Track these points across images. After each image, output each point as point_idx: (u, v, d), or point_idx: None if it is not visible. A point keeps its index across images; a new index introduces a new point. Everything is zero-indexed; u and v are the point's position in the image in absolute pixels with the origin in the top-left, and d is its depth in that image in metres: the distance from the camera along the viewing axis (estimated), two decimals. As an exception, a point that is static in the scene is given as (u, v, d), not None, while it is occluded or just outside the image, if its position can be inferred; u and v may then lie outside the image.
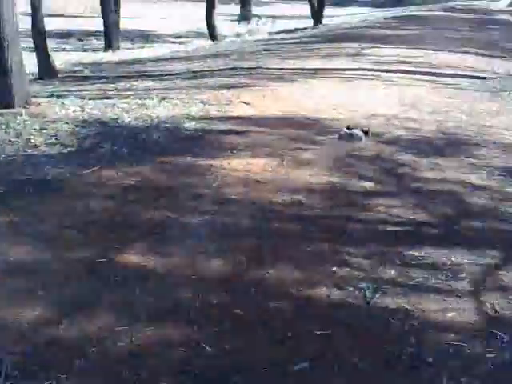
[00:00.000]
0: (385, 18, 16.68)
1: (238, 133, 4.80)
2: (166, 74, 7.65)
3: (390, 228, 3.32)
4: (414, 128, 5.41)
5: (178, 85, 6.82)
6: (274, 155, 4.34)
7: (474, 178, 4.17)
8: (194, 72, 7.78)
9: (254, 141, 4.65)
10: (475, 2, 23.05)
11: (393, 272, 2.78)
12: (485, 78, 8.13)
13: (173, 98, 5.83)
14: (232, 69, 7.96)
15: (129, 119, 5.06)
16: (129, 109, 5.39)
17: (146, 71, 8.31)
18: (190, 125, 4.92)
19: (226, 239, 3.02)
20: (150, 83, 6.95)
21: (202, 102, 5.76)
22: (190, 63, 9.08)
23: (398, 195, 3.81)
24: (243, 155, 4.29)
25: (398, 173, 4.24)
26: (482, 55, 10.36)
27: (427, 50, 10.15)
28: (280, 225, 3.25)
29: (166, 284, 2.60)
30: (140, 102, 5.69)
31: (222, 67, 8.25)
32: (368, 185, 3.92)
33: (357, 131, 4.87)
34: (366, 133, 4.90)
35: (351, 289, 2.61)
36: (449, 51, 10.27)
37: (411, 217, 3.46)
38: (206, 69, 8.14)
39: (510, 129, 5.61)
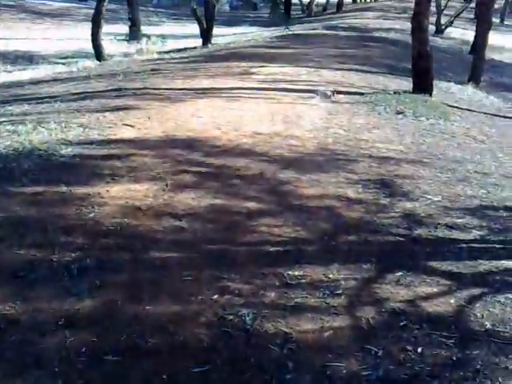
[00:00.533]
0: (271, 38, 17.17)
1: (119, 157, 4.66)
2: (45, 97, 7.28)
3: (271, 248, 3.35)
4: (296, 145, 5.56)
5: (56, 108, 6.50)
6: (156, 179, 4.26)
7: (350, 192, 4.36)
8: (75, 94, 7.48)
9: (136, 165, 4.53)
10: (357, 21, 24.39)
11: (273, 295, 2.80)
12: (363, 94, 8.58)
13: (49, 123, 5.55)
14: (117, 90, 7.76)
15: (-3, 148, 4.73)
16: (-2, 136, 5.05)
17: (23, 94, 7.86)
18: (67, 151, 4.70)
19: (99, 276, 2.87)
20: (26, 107, 6.57)
21: (81, 125, 5.53)
22: (72, 85, 8.72)
23: (279, 214, 3.86)
24: (124, 181, 4.15)
25: (280, 191, 4.32)
26: (362, 71, 10.96)
27: (310, 67, 10.55)
28: (160, 254, 3.16)
29: (29, 334, 2.41)
30: (12, 128, 5.35)
31: (106, 88, 8.02)
32: (251, 205, 3.95)
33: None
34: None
35: (231, 317, 2.58)
36: (330, 68, 10.74)
37: (292, 235, 3.52)
38: (88, 90, 7.87)
39: (384, 142, 5.95)
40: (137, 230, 3.40)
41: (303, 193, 4.28)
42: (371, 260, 3.22)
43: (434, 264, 3.28)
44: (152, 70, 10.23)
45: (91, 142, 4.99)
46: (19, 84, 9.63)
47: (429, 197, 4.41)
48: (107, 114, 6.09)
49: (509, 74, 16.87)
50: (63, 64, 13.37)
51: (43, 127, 5.37)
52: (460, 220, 3.99)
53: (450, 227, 3.84)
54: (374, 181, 4.66)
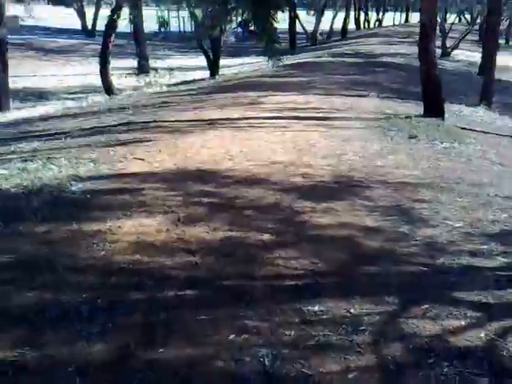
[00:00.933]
0: (278, 66, 17.26)
1: (130, 192, 4.58)
2: (55, 133, 7.28)
3: (289, 282, 3.22)
4: (310, 174, 5.45)
5: (67, 144, 6.48)
6: (168, 213, 4.16)
7: (368, 220, 4.23)
8: (85, 129, 7.48)
9: (147, 199, 4.44)
10: (362, 47, 24.56)
11: (293, 333, 2.66)
12: (374, 119, 8.50)
13: (60, 159, 5.51)
14: (127, 124, 7.76)
15: (7, 186, 4.66)
16: (8, 175, 4.99)
17: (33, 131, 7.88)
18: (78, 187, 4.64)
19: (111, 317, 2.76)
20: (36, 144, 6.55)
21: (92, 161, 5.49)
22: (82, 120, 8.75)
23: (296, 245, 3.74)
24: (136, 216, 4.06)
25: (296, 221, 4.20)
26: (371, 97, 10.91)
27: (319, 95, 10.54)
28: (173, 293, 3.04)
29: (38, 382, 2.29)
30: (22, 165, 5.31)
31: (116, 122, 8.02)
32: (267, 237, 3.83)
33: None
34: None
35: (249, 359, 2.44)
36: (340, 95, 10.72)
37: (310, 268, 3.39)
38: (98, 125, 7.87)
39: (400, 167, 5.83)
40: (149, 268, 3.29)
41: (320, 222, 4.16)
42: (394, 292, 3.07)
43: (460, 295, 3.12)
44: (161, 102, 10.27)
45: (102, 177, 4.93)
46: (29, 121, 9.70)
47: (450, 223, 4.27)
48: (117, 148, 6.05)
49: (519, 94, 16.78)
50: (73, 100, 13.52)
51: (53, 164, 5.33)
52: (483, 246, 3.84)
53: (474, 254, 3.69)
54: (392, 207, 4.53)
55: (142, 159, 5.61)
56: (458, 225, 4.24)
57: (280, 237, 3.86)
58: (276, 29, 9.27)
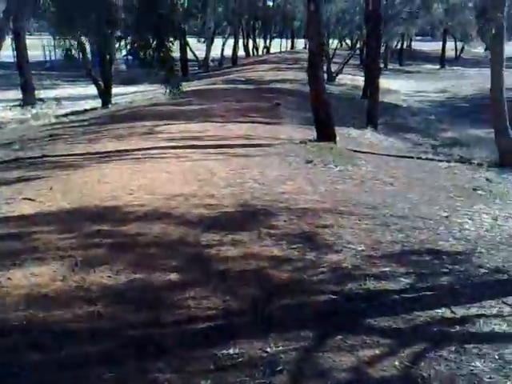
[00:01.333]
0: (173, 94, 17.13)
1: (20, 237, 4.21)
2: None
3: (201, 325, 3.08)
4: (213, 204, 5.36)
5: None
6: (64, 258, 3.85)
7: (275, 250, 4.21)
8: (-35, 169, 6.86)
9: (40, 244, 4.09)
10: (253, 74, 25.12)
11: (208, 382, 2.51)
12: (271, 145, 8.64)
13: None
14: (13, 160, 7.22)
15: None
16: None
17: None
18: (-42, 237, 4.18)
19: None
20: None
21: (-26, 205, 5.00)
22: (-39, 158, 8.03)
23: (206, 283, 3.61)
24: (28, 264, 3.71)
25: (203, 256, 4.07)
26: (266, 123, 11.13)
27: (215, 122, 10.56)
28: (75, 350, 2.78)
29: None
30: None
31: (1, 159, 7.44)
32: (174, 277, 3.67)
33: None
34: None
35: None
36: (236, 122, 10.82)
37: (222, 306, 3.27)
38: (-20, 163, 7.26)
39: (300, 193, 5.92)
40: (46, 323, 2.99)
41: (228, 255, 4.06)
42: (309, 325, 3.04)
43: (371, 322, 3.16)
44: (50, 135, 9.72)
45: (-14, 224, 4.49)
46: None
47: (352, 246, 4.37)
48: (3, 188, 5.59)
49: (400, 115, 18.02)
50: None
51: None
52: (386, 268, 3.95)
53: (379, 278, 3.78)
54: (297, 235, 4.56)
55: (32, 199, 5.21)
56: (360, 248, 4.34)
57: (188, 275, 3.72)
58: (173, 58, 9.19)
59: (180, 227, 4.62)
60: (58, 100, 17.89)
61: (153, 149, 7.99)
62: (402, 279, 3.79)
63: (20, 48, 17.62)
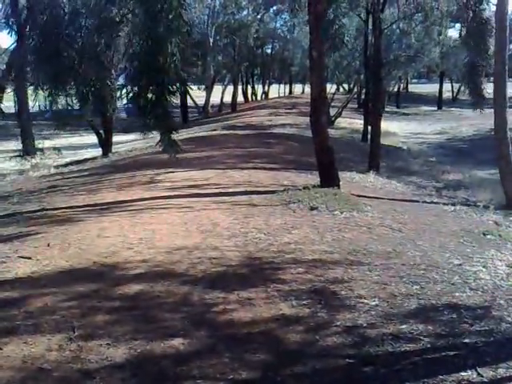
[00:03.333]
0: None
1: (14, 301, 3.97)
2: None
3: (210, 401, 2.81)
4: (217, 257, 5.15)
5: None
6: (61, 326, 3.61)
7: (284, 308, 3.98)
8: (-40, 225, 6.66)
9: (35, 310, 3.86)
10: (253, 119, 25.30)
11: None
12: (274, 192, 8.49)
13: None
14: (10, 215, 7.04)
15: None
16: None
17: None
18: (-51, 302, 3.94)
19: None
20: None
21: (-33, 265, 4.78)
22: (-42, 213, 7.85)
23: (212, 350, 3.36)
24: (21, 333, 3.47)
25: (208, 318, 3.84)
26: (268, 169, 11.03)
27: (217, 169, 10.46)
28: None
29: None
30: None
31: (-3, 214, 7.27)
32: (178, 343, 3.42)
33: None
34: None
35: None
36: (237, 169, 10.72)
37: (230, 376, 3.02)
38: (-23, 219, 7.08)
39: (306, 243, 5.71)
40: (40, 402, 2.74)
41: (234, 317, 3.82)
42: (326, 396, 2.79)
43: (392, 390, 2.91)
44: (49, 187, 9.59)
45: (-21, 286, 4.26)
46: None
47: (366, 301, 4.14)
48: (-1, 245, 5.38)
49: (401, 158, 18.00)
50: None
51: None
52: (404, 326, 3.71)
53: (397, 337, 3.54)
54: (306, 290, 4.33)
55: (29, 257, 5.00)
56: (373, 303, 4.11)
57: (193, 341, 3.46)
58: (173, 120, 9.13)
59: (183, 285, 4.40)
60: (57, 150, 17.89)
61: (154, 199, 7.85)
62: (421, 338, 3.54)
63: (20, 99, 17.74)
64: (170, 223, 6.42)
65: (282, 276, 4.65)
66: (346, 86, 36.99)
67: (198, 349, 3.36)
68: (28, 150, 17.50)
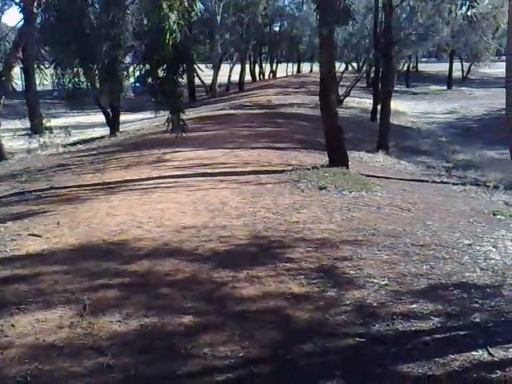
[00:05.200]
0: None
1: (25, 279, 3.99)
2: None
3: (219, 377, 2.83)
4: (226, 236, 5.15)
5: None
6: (72, 302, 3.63)
7: (294, 286, 3.97)
8: (-29, 203, 6.69)
9: (46, 286, 3.88)
10: (260, 98, 25.09)
11: None
12: (282, 172, 8.45)
13: None
14: (19, 193, 7.05)
15: None
16: None
17: None
18: (-40, 278, 3.97)
19: None
20: None
21: (-22, 242, 4.81)
22: (-33, 191, 7.87)
23: (222, 326, 3.37)
24: (32, 309, 3.50)
25: (218, 296, 3.84)
26: (276, 148, 10.95)
27: (225, 148, 10.39)
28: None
29: None
30: None
31: (7, 193, 7.29)
32: (188, 320, 3.43)
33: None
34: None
35: None
36: (245, 148, 10.65)
37: (240, 353, 3.03)
38: (-14, 197, 7.10)
39: (315, 222, 5.69)
40: (52, 378, 2.76)
41: (243, 294, 3.83)
42: (336, 374, 2.79)
43: (403, 368, 2.91)
44: (57, 165, 9.58)
45: (-10, 263, 4.29)
46: None
47: (375, 280, 4.13)
48: (9, 223, 5.40)
49: (411, 137, 17.82)
50: (-43, 167, 12.32)
51: None
52: (414, 305, 3.70)
53: (407, 316, 3.53)
54: (316, 269, 4.32)
55: (39, 235, 5.01)
56: (383, 282, 4.10)
57: (202, 318, 3.48)
58: (182, 99, 9.07)
59: (192, 263, 4.40)
60: (65, 128, 17.86)
61: (162, 178, 7.83)
62: (431, 317, 3.53)
63: (28, 77, 17.69)
64: (179, 202, 6.41)
65: (290, 255, 4.65)
66: (355, 64, 36.51)
67: (208, 326, 3.37)
68: (36, 129, 17.48)
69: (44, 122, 18.46)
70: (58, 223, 5.41)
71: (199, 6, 7.51)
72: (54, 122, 19.69)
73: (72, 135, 17.26)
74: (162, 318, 3.42)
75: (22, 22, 12.86)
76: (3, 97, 12.46)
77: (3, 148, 12.90)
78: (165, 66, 8.71)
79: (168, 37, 7.47)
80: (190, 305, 3.63)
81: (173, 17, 7.32)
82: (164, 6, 7.30)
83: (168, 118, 8.74)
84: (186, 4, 7.38)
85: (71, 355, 2.95)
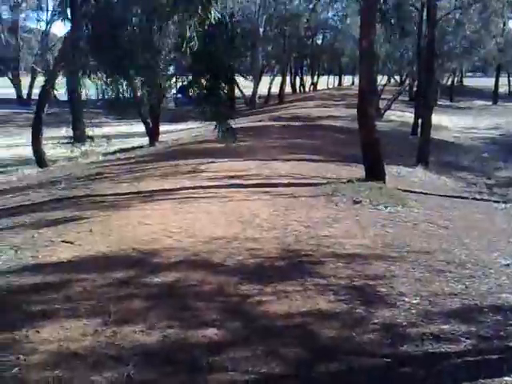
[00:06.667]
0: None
1: (54, 286, 4.04)
2: (-26, 215, 6.63)
3: (236, 393, 2.77)
4: (256, 249, 5.10)
5: (-14, 227, 5.87)
6: (98, 311, 3.65)
7: (321, 303, 3.88)
8: (9, 208, 6.86)
9: (74, 294, 3.91)
10: (300, 110, 25.05)
11: None
12: (316, 185, 8.36)
13: (-26, 248, 4.90)
14: (57, 200, 7.20)
15: None
16: None
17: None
18: (-6, 282, 4.05)
19: None
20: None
21: (13, 247, 4.92)
22: (9, 197, 8.11)
23: (246, 342, 3.31)
24: (58, 317, 3.52)
25: (243, 310, 3.79)
26: (312, 161, 10.87)
27: (260, 160, 10.38)
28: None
29: None
30: None
31: (45, 199, 7.45)
32: (211, 333, 3.39)
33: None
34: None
35: None
36: (279, 160, 10.61)
37: (263, 370, 2.97)
38: (25, 203, 7.27)
39: (347, 237, 5.58)
40: (72, 386, 2.77)
41: (269, 309, 3.76)
42: (359, 395, 2.69)
43: (432, 393, 2.78)
44: (96, 173, 9.77)
45: (23, 269, 4.35)
46: None
47: (406, 299, 3.99)
48: (44, 230, 5.50)
49: (452, 153, 17.41)
50: (2, 173, 12.75)
51: (-35, 254, 4.71)
52: (445, 326, 3.56)
53: (438, 337, 3.40)
54: (345, 285, 4.22)
55: (71, 242, 5.09)
56: (415, 301, 3.97)
57: (227, 331, 3.43)
58: (228, 108, 9.19)
59: (220, 275, 4.37)
60: (107, 137, 18.27)
61: (196, 188, 7.86)
62: (463, 339, 3.38)
63: (72, 86, 18.16)
64: (211, 213, 6.41)
65: (320, 270, 4.56)
66: (397, 77, 36.06)
67: (232, 340, 3.33)
68: (78, 137, 17.95)
69: (86, 131, 18.96)
70: (91, 230, 5.48)
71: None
72: (96, 132, 20.19)
73: (113, 144, 17.65)
74: (186, 330, 3.39)
75: (68, 31, 13.25)
76: (47, 105, 12.83)
77: (45, 155, 13.26)
78: (208, 77, 8.82)
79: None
80: (214, 317, 3.60)
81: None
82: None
83: (216, 127, 8.84)
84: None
85: (93, 364, 2.96)
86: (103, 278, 4.22)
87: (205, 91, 9.04)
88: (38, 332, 3.27)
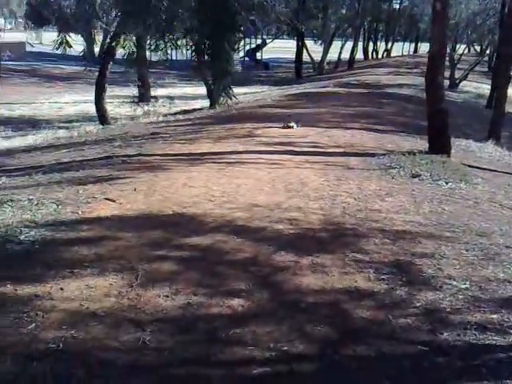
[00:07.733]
0: (281, 96, 16.83)
1: (87, 242, 4.00)
2: (29, 168, 6.77)
3: (255, 370, 2.60)
4: (298, 219, 4.86)
5: (36, 180, 5.95)
6: (126, 270, 3.58)
7: (359, 280, 3.63)
8: (62, 163, 6.96)
9: (105, 252, 3.86)
10: (369, 77, 24.14)
11: None
12: (374, 155, 7.94)
13: (20, 200, 4.95)
14: (108, 158, 7.24)
15: None
16: None
17: (9, 164, 7.38)
18: (29, 235, 4.06)
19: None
20: (2, 180, 6.02)
21: (56, 201, 4.93)
22: (64, 152, 8.27)
23: (271, 315, 3.13)
24: (85, 274, 3.48)
25: (274, 281, 3.61)
26: (374, 130, 10.38)
27: (319, 127, 10.02)
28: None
29: None
30: (-28, 207, 4.76)
31: (97, 156, 7.52)
32: (236, 303, 3.23)
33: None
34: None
35: None
36: (341, 128, 10.20)
37: (284, 347, 2.79)
38: (78, 159, 7.36)
39: (399, 212, 5.23)
40: (82, 348, 2.68)
41: (302, 283, 3.55)
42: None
43: (467, 389, 2.50)
44: (152, 133, 9.78)
45: (61, 223, 4.36)
46: (10, 152, 9.21)
47: (454, 283, 3.66)
48: (89, 186, 5.51)
49: (529, 128, 16.21)
50: (66, 129, 13.09)
51: (9, 205, 4.76)
52: (494, 316, 3.23)
53: (483, 327, 3.08)
54: (388, 263, 3.94)
55: (113, 200, 5.06)
56: (463, 286, 3.64)
57: (253, 303, 3.26)
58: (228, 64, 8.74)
59: (256, 243, 4.19)
60: (171, 98, 18.34)
61: (248, 153, 7.67)
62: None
63: (139, 47, 18.25)
64: (257, 179, 6.21)
65: (364, 245, 4.28)
66: (478, 47, 33.89)
67: (257, 313, 3.16)
68: (143, 97, 18.14)
69: (152, 90, 19.12)
70: (135, 189, 5.44)
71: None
72: (161, 92, 20.34)
73: (176, 105, 17.71)
74: (211, 298, 3.25)
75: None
76: (111, 63, 12.95)
77: (107, 113, 13.48)
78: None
79: None
80: (242, 287, 3.44)
81: None
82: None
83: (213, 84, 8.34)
84: None
85: (110, 326, 2.88)
86: (138, 237, 4.15)
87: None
88: (62, 289, 3.23)
